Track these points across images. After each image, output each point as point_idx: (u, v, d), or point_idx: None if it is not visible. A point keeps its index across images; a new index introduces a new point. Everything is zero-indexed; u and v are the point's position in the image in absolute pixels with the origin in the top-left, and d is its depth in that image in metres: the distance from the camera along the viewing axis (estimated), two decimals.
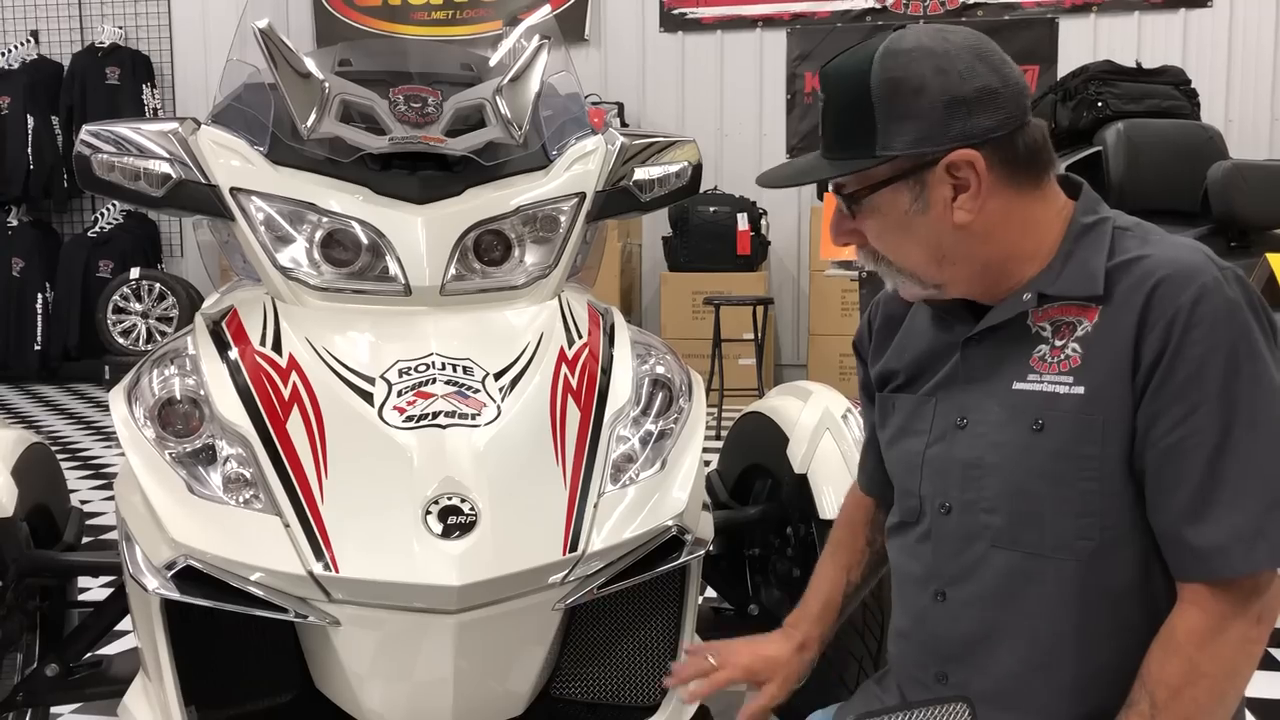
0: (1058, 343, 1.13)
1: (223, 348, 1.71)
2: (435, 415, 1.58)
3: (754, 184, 1.32)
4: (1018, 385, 1.14)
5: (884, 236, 1.17)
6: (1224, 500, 1.04)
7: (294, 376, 1.64)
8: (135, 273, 7.00)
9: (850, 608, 1.45)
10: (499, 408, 1.62)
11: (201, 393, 1.63)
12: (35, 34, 7.97)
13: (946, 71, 1.09)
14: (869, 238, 1.19)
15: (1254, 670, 1.09)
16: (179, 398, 1.63)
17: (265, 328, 1.75)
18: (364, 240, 1.82)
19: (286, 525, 1.47)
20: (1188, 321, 1.05)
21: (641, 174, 2.04)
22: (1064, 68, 6.12)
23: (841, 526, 1.49)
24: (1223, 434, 1.04)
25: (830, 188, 1.21)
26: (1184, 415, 1.05)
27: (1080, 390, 1.10)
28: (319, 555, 1.44)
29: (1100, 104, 4.79)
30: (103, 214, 7.75)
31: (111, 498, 1.89)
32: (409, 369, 1.66)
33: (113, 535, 1.80)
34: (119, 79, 7.65)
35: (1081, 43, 6.57)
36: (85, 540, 2.21)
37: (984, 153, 1.10)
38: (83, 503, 4.11)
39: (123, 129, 1.86)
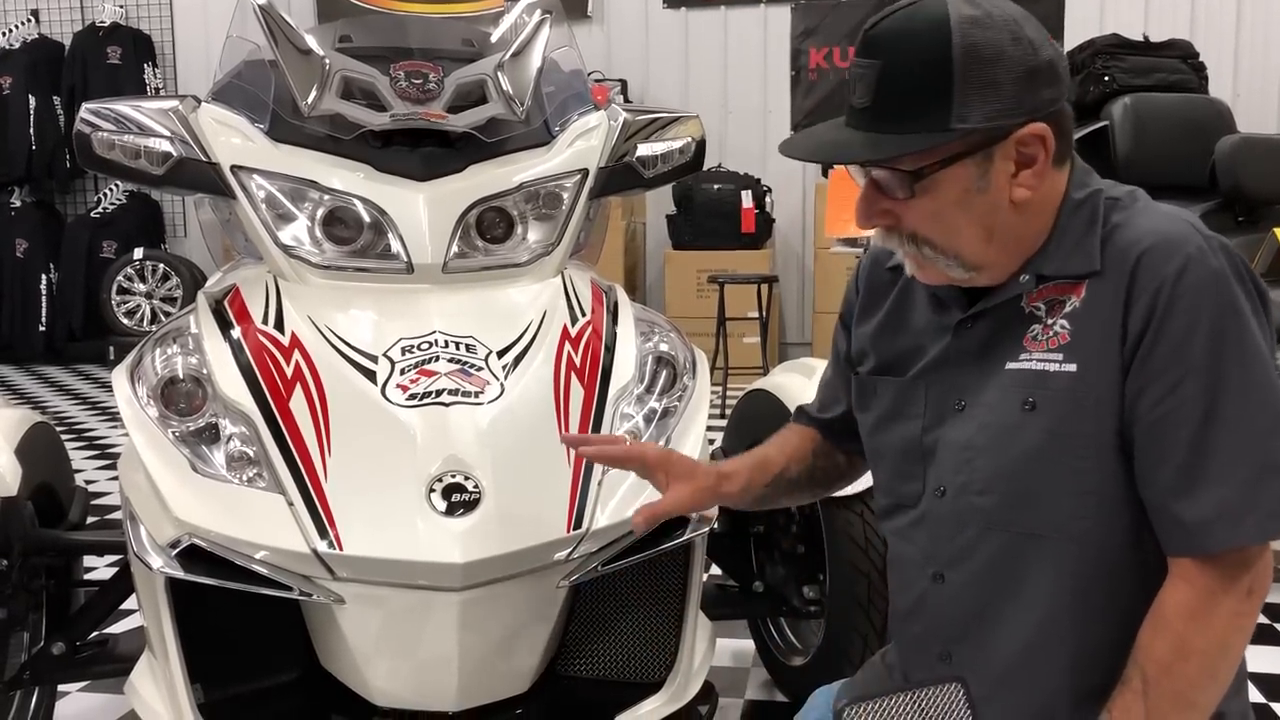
0: (1049, 320, 1.11)
1: (225, 327, 1.70)
2: (438, 393, 1.57)
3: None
4: (1010, 365, 1.12)
5: (937, 216, 1.10)
6: (1211, 474, 1.03)
7: (296, 355, 1.64)
8: (139, 253, 6.99)
9: (772, 497, 1.39)
10: (502, 386, 1.61)
11: (204, 371, 1.63)
12: (36, 13, 7.93)
13: (1020, 40, 1.05)
14: (911, 219, 1.11)
15: (1247, 643, 1.08)
16: (181, 377, 1.63)
17: (268, 306, 1.74)
18: (366, 218, 1.81)
19: (290, 504, 1.47)
20: (1172, 293, 1.03)
21: (645, 150, 2.03)
22: (1070, 41, 6.06)
23: (791, 441, 1.41)
24: (1209, 406, 1.03)
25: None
26: (1170, 387, 1.03)
27: (1072, 367, 1.08)
28: (323, 533, 1.44)
29: (1107, 78, 4.75)
30: (106, 194, 7.74)
31: (116, 477, 1.89)
32: (412, 347, 1.65)
33: (118, 515, 1.80)
34: (120, 58, 7.61)
35: (1088, 16, 6.51)
36: (90, 520, 2.22)
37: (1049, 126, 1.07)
38: (88, 482, 4.10)
39: (123, 107, 1.86)
